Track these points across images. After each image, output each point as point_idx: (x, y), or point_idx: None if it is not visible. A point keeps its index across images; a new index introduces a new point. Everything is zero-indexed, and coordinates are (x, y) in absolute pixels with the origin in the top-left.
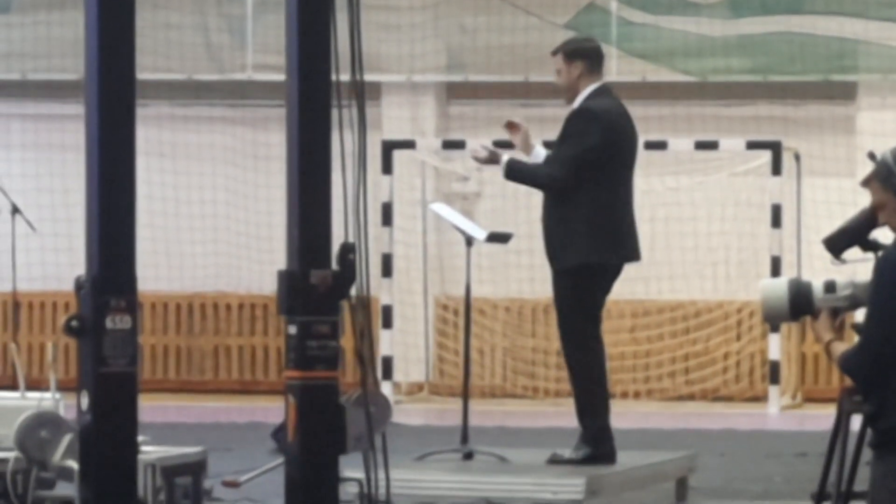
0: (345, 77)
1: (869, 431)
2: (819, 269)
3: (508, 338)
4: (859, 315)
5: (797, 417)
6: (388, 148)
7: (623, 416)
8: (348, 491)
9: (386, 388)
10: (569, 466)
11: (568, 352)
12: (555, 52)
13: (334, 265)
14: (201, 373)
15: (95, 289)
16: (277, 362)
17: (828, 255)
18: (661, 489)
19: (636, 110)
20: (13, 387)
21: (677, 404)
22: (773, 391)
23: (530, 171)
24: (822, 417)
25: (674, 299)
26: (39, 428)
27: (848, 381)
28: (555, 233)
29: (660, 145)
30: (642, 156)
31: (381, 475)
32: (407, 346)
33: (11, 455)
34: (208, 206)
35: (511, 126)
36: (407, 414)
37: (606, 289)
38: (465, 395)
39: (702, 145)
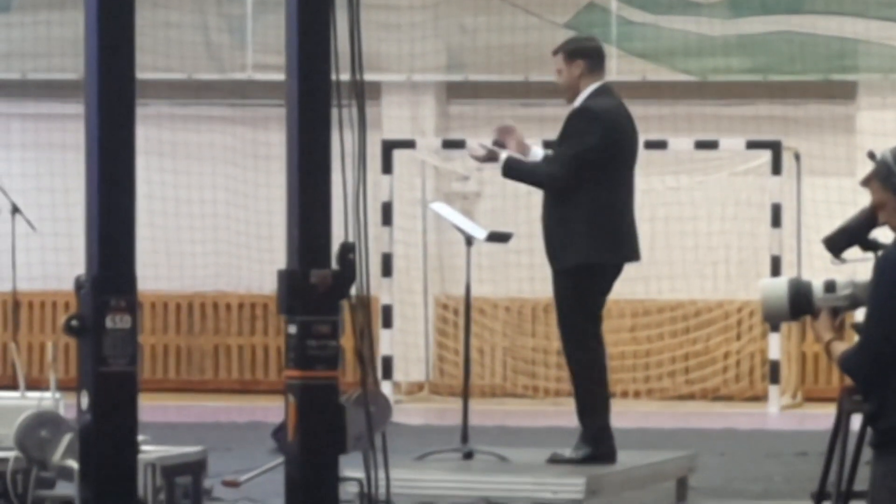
0: (345, 77)
1: (869, 431)
2: (819, 269)
3: (508, 337)
4: (859, 315)
5: (797, 417)
6: (388, 147)
7: (623, 415)
8: (348, 490)
9: (386, 387)
10: (569, 466)
11: (568, 351)
12: (556, 52)
13: (334, 265)
14: (201, 372)
15: (95, 288)
16: (277, 362)
17: (828, 255)
18: (661, 489)
19: (636, 110)
20: (13, 386)
21: (677, 404)
22: (773, 391)
23: (529, 170)
24: (822, 417)
25: (674, 299)
26: (39, 427)
27: (848, 381)
28: (555, 233)
29: (660, 145)
30: (642, 155)
31: (381, 475)
32: (407, 346)
33: (11, 454)
34: (208, 205)
35: (503, 131)
36: (407, 413)
37: (607, 289)
38: (465, 394)
39: (702, 145)
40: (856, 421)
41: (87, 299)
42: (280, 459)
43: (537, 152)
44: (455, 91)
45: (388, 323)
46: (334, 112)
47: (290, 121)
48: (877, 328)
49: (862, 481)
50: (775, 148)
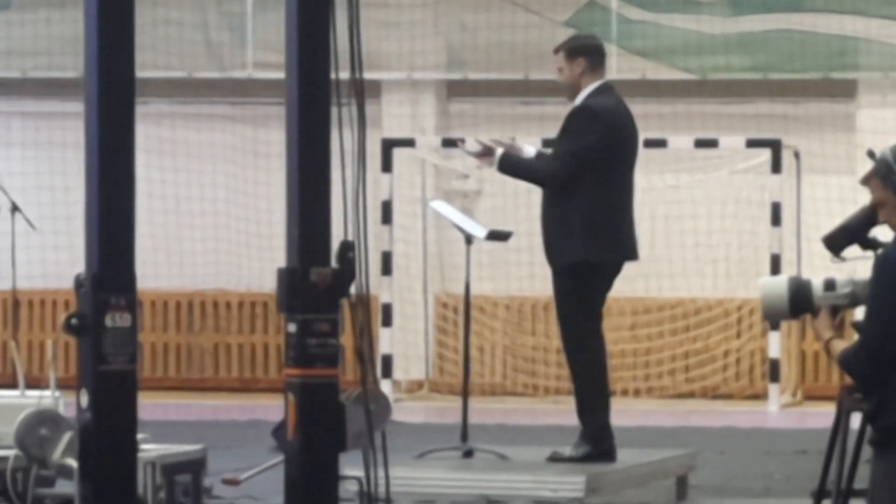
0: (344, 75)
1: (869, 429)
2: (819, 267)
3: (508, 335)
4: (859, 313)
5: (797, 415)
6: (388, 146)
7: (623, 413)
8: (348, 489)
9: (386, 386)
10: (569, 464)
11: (568, 350)
12: (557, 50)
13: (334, 263)
14: (201, 370)
15: (95, 287)
16: (277, 360)
17: (827, 253)
18: (661, 487)
19: (636, 108)
20: (13, 385)
21: (677, 402)
22: (773, 389)
23: (525, 166)
24: (822, 415)
25: (674, 297)
26: (39, 426)
27: (848, 379)
28: (554, 232)
29: (660, 143)
30: (642, 154)
31: (381, 473)
32: (407, 344)
33: (11, 453)
34: (208, 203)
35: (485, 152)
36: (407, 412)
37: (606, 287)
38: (465, 392)
39: (702, 143)
40: (856, 419)
41: (86, 298)
42: (280, 458)
43: (529, 150)
44: (455, 89)
45: (387, 321)
46: (334, 110)
47: (290, 119)
48: (876, 326)
49: (862, 479)
50: (775, 146)
